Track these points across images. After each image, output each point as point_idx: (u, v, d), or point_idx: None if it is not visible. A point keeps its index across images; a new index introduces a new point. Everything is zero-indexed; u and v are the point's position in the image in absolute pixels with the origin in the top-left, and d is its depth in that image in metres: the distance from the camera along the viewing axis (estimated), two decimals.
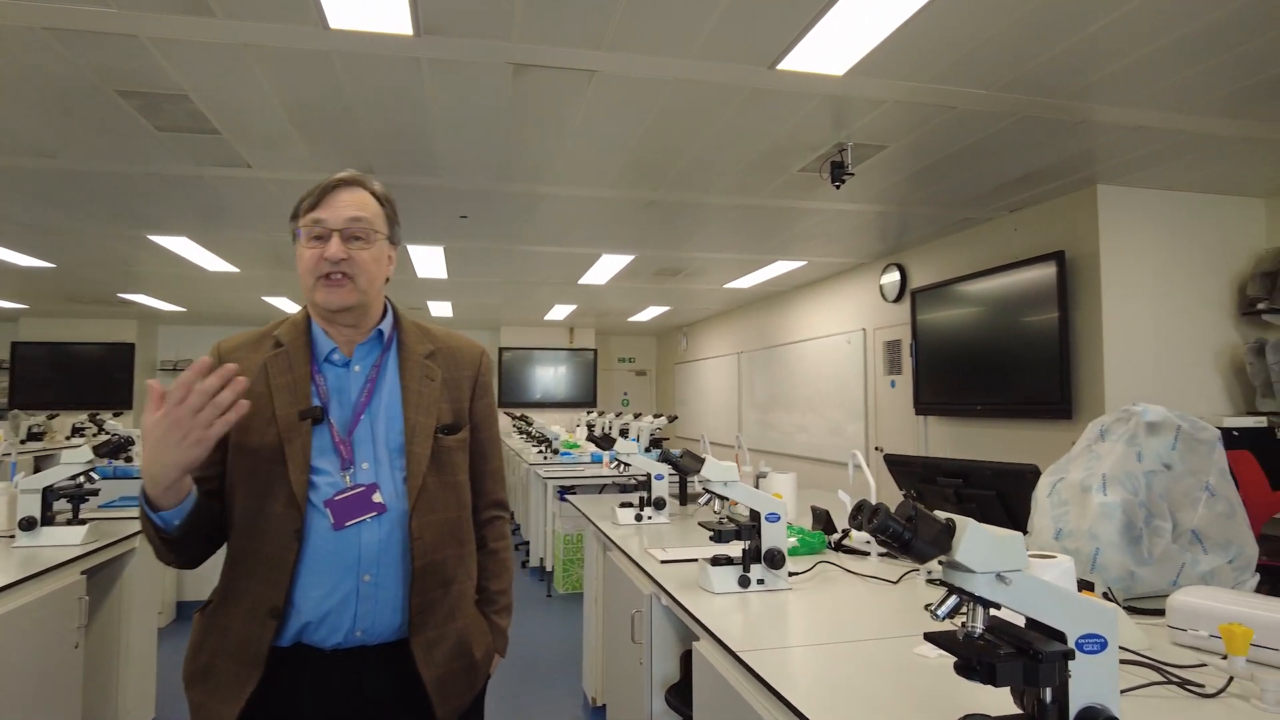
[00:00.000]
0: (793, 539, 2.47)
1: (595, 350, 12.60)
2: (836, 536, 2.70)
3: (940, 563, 1.10)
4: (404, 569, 1.37)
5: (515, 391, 12.19)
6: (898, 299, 6.43)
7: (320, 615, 1.31)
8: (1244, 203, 4.76)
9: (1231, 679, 1.40)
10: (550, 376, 12.41)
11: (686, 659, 2.31)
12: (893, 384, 6.49)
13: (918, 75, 3.04)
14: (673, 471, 3.32)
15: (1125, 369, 4.46)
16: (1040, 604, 1.05)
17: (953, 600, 1.08)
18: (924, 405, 5.91)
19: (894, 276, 6.45)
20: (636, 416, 8.75)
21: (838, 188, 3.95)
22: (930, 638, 1.13)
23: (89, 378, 10.59)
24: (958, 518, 1.06)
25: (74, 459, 2.81)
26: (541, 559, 6.24)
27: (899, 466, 2.74)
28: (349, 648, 1.33)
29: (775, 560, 2.10)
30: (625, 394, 13.66)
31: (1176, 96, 3.28)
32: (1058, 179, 4.45)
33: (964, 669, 1.06)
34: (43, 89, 3.12)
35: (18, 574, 2.27)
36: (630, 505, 3.27)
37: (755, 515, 2.13)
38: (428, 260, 6.73)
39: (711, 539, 2.16)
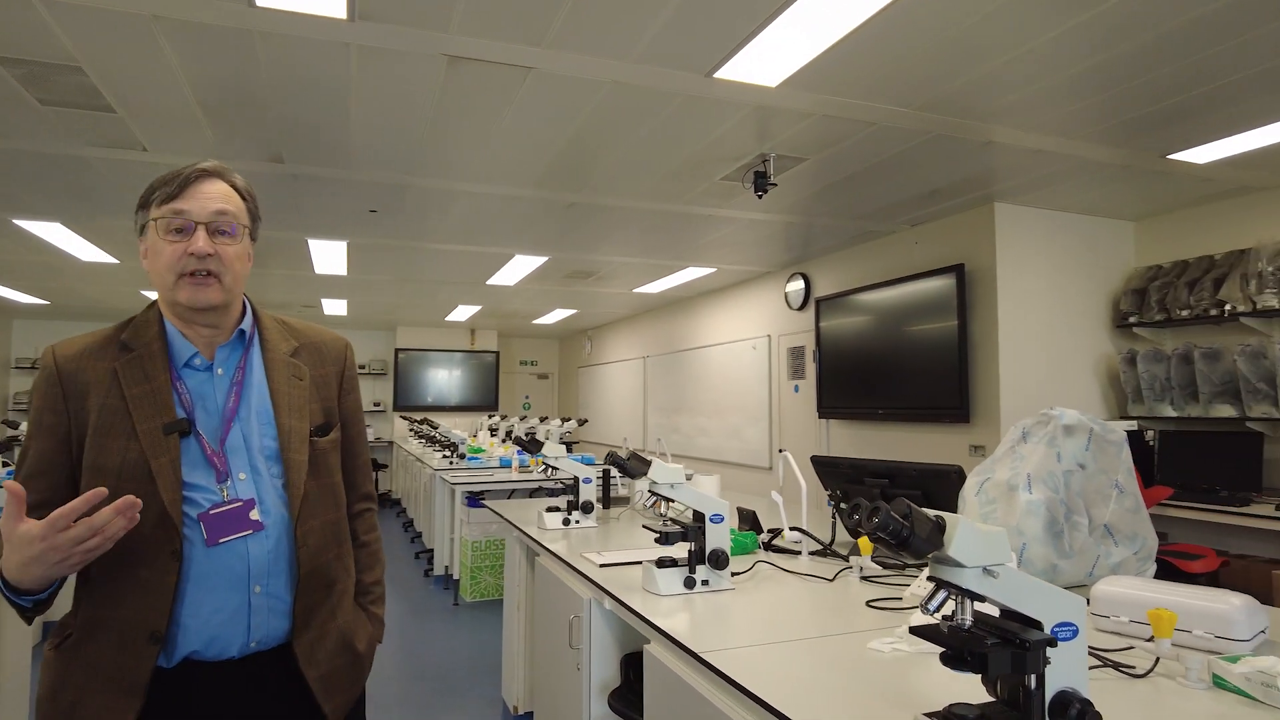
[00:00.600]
0: None
1: (498, 353, 12.39)
2: (766, 536, 2.75)
3: (930, 559, 1.13)
4: (290, 576, 1.35)
5: (411, 394, 11.81)
6: (802, 307, 6.64)
7: (212, 633, 1.27)
8: (1118, 225, 5.18)
9: (1158, 660, 1.52)
10: (449, 379, 12.10)
11: (627, 662, 2.30)
12: (796, 389, 6.69)
13: (846, 91, 3.15)
14: (600, 475, 3.32)
15: (1017, 375, 4.76)
16: (1022, 595, 1.10)
17: (941, 595, 1.12)
18: (826, 409, 6.12)
19: (799, 285, 6.66)
20: (543, 420, 8.67)
21: (760, 197, 4.04)
22: (917, 631, 1.16)
23: None
24: (947, 515, 1.09)
25: None
26: (446, 567, 6.08)
27: (825, 467, 2.82)
28: (240, 658, 1.30)
29: (719, 561, 2.12)
30: (527, 397, 13.50)
31: (1069, 125, 3.55)
32: (959, 196, 4.71)
33: (951, 660, 1.10)
34: None
35: None
36: (557, 509, 3.23)
37: (699, 517, 2.15)
38: (328, 255, 6.44)
39: (657, 541, 2.16)
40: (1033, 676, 1.08)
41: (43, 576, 1.12)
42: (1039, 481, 2.12)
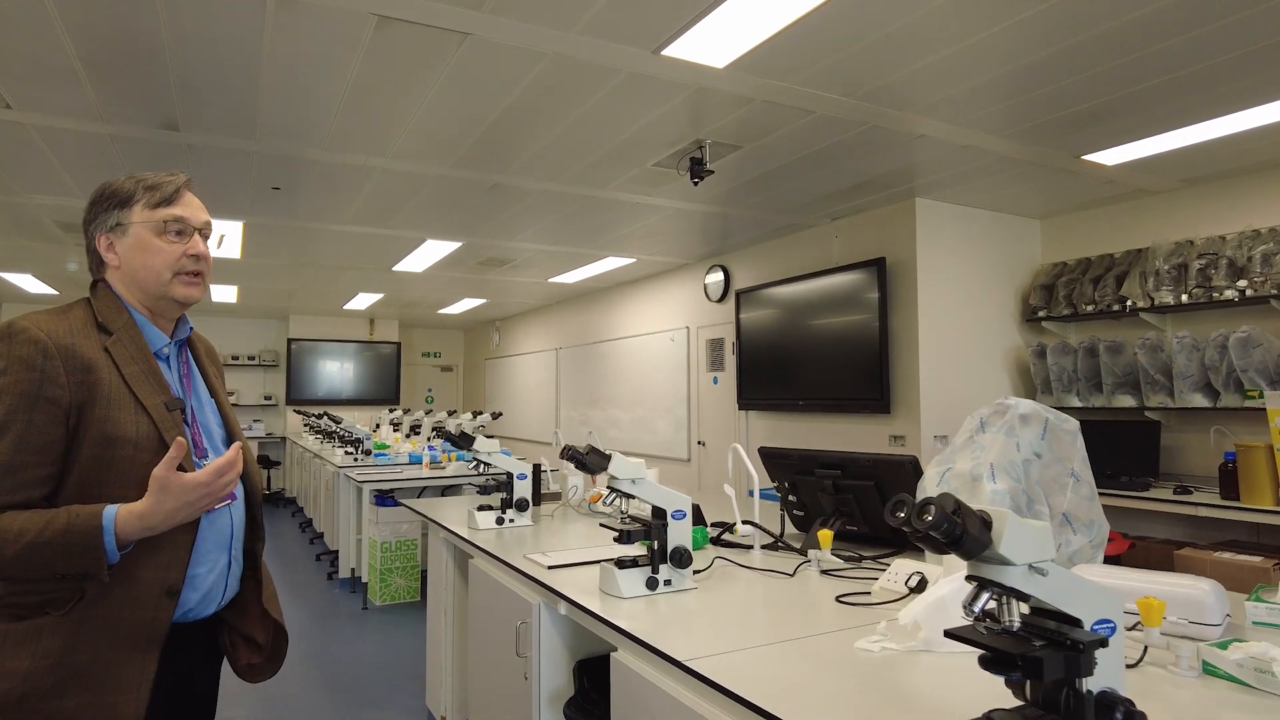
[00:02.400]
0: None
1: (399, 344, 11.89)
2: (714, 531, 2.66)
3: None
4: (244, 544, 1.52)
5: (304, 387, 11.12)
6: (721, 299, 6.62)
7: (205, 591, 1.41)
8: (1026, 223, 5.39)
9: (1146, 649, 1.51)
10: (346, 371, 11.50)
11: (582, 669, 2.16)
12: (715, 380, 6.68)
13: (790, 76, 3.09)
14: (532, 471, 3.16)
15: (935, 366, 4.87)
16: (1069, 593, 1.03)
17: (985, 596, 1.03)
18: (746, 400, 6.13)
19: (718, 277, 6.64)
20: (451, 413, 8.35)
21: (696, 184, 3.95)
22: (955, 635, 1.08)
23: None
24: (993, 510, 1.01)
25: None
26: (353, 569, 5.75)
27: (774, 459, 2.76)
28: (205, 618, 1.44)
29: (682, 559, 2.01)
30: (430, 390, 13.04)
31: (995, 122, 3.62)
32: (882, 190, 4.76)
33: (996, 664, 1.02)
34: None
35: None
36: (490, 508, 3.04)
37: (660, 513, 2.03)
38: (222, 237, 5.96)
39: (617, 540, 2.03)
40: (1081, 679, 1.01)
41: (178, 522, 1.28)
42: (1002, 471, 2.11)
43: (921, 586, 1.93)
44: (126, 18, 2.61)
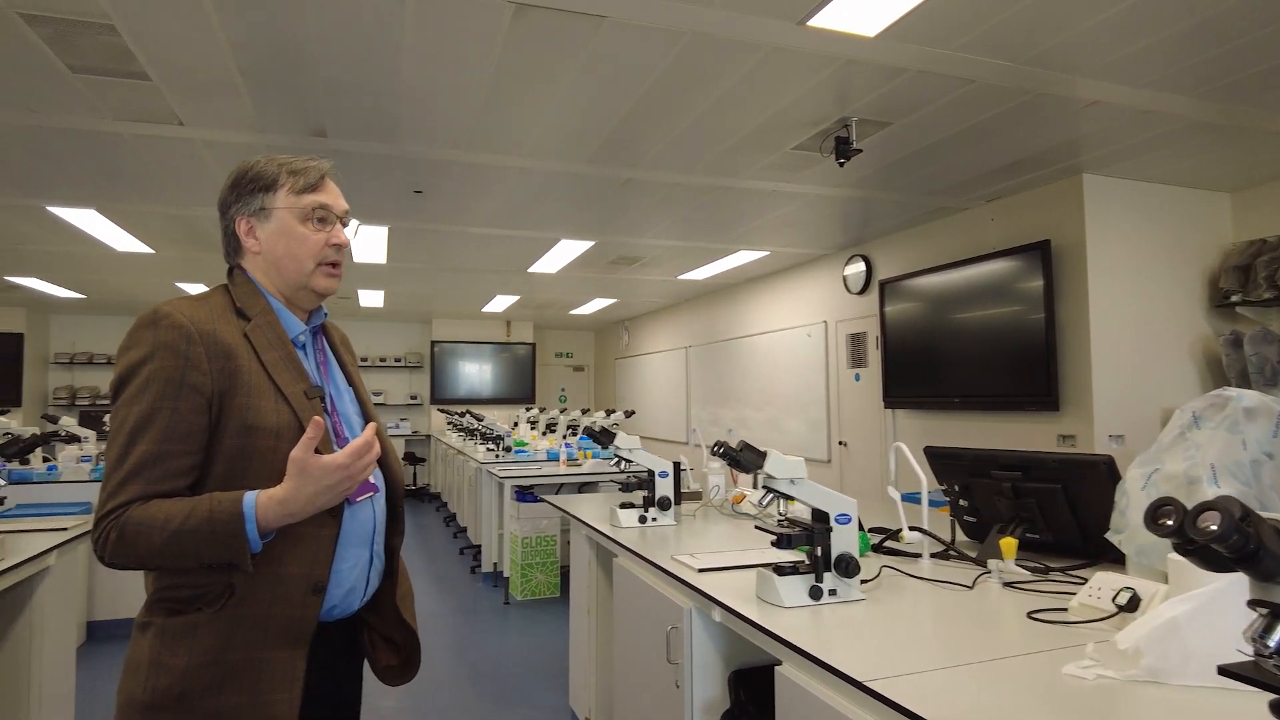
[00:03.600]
0: None
1: (533, 345, 12.16)
2: (878, 538, 2.46)
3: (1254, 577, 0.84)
4: (386, 537, 1.46)
5: (446, 387, 11.60)
6: (863, 291, 6.30)
7: (348, 587, 1.36)
8: (1213, 197, 4.79)
9: None
10: (484, 372, 11.88)
11: (736, 681, 2.02)
12: (857, 377, 6.36)
13: (948, 42, 2.84)
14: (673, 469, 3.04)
15: (1109, 359, 4.41)
16: None
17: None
18: (893, 398, 5.79)
19: (859, 267, 6.32)
20: (584, 412, 8.41)
21: (842, 164, 3.73)
22: (1230, 671, 0.86)
23: None
24: None
25: None
26: (495, 564, 5.85)
27: (943, 460, 2.52)
28: (346, 617, 1.39)
29: (849, 568, 1.83)
30: (563, 390, 13.27)
31: (1179, 82, 3.21)
32: (1045, 166, 4.36)
33: None
34: None
35: None
36: (632, 506, 2.95)
37: (822, 517, 1.86)
38: (368, 242, 6.22)
39: (775, 544, 1.88)
40: None
41: (320, 508, 1.23)
42: (1225, 473, 1.80)
43: (1133, 605, 1.67)
44: (280, 24, 2.70)
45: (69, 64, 2.96)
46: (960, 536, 2.50)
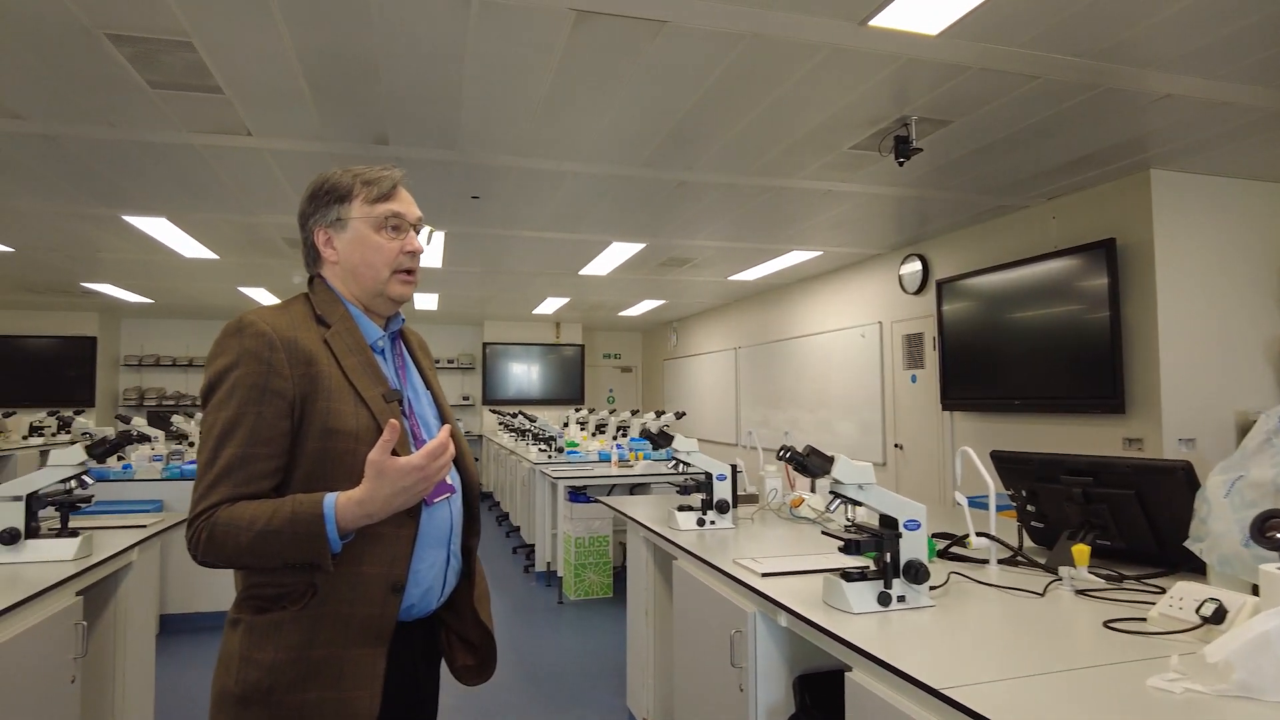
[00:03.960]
0: None
1: (582, 346, 12.24)
2: (944, 543, 2.42)
3: None
4: (462, 538, 1.49)
5: (497, 388, 11.77)
6: (919, 290, 6.21)
7: (426, 587, 1.38)
8: None
9: None
10: (534, 373, 12.01)
11: (801, 685, 2.02)
12: (913, 379, 6.27)
13: (1013, 38, 2.79)
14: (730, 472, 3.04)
15: (1179, 360, 4.27)
16: None
17: None
18: (951, 400, 5.69)
19: (915, 267, 6.23)
20: (634, 413, 8.44)
21: (901, 164, 3.69)
22: None
23: (45, 373, 9.96)
24: None
25: (64, 460, 2.40)
26: (549, 563, 5.91)
27: (1010, 464, 2.47)
28: (425, 617, 1.42)
29: (919, 574, 1.81)
30: (611, 391, 13.33)
31: (1259, 74, 3.10)
32: (1110, 163, 4.24)
33: None
34: (19, 31, 2.71)
35: (3, 600, 1.86)
36: (690, 508, 2.96)
37: (890, 522, 1.85)
38: (431, 232, 6.32)
39: (842, 550, 1.87)
40: None
41: (397, 509, 1.25)
42: None
43: (1219, 617, 1.62)
44: (347, 38, 2.77)
45: (148, 80, 3.08)
46: (1027, 543, 2.46)
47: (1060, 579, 2.02)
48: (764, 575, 2.15)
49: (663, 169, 4.29)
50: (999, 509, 2.55)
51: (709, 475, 2.97)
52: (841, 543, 1.88)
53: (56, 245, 6.13)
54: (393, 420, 1.22)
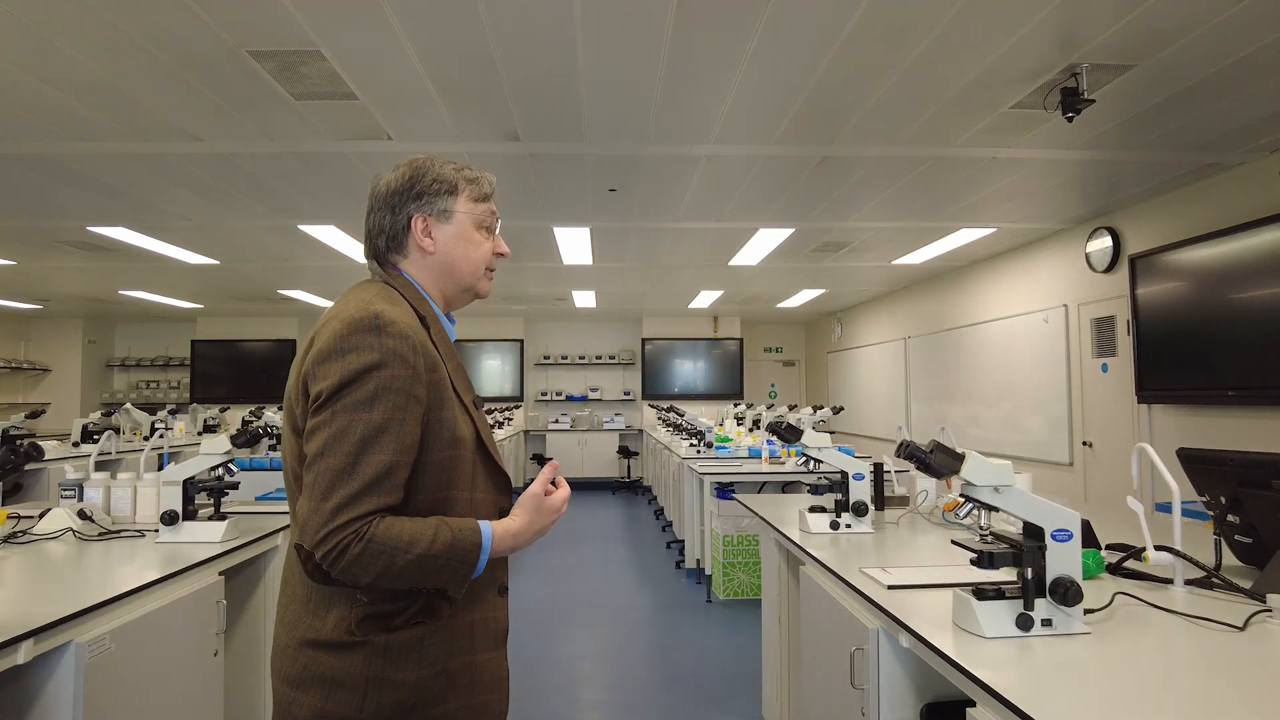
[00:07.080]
0: None
1: (741, 340, 12.02)
2: (1114, 558, 2.05)
3: None
4: None
5: (657, 383, 11.89)
6: (1109, 268, 5.49)
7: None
8: None
9: None
10: (693, 368, 11.98)
11: (930, 715, 1.76)
12: (1104, 368, 5.55)
13: None
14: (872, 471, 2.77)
15: None
16: None
17: None
18: (1148, 392, 4.98)
19: (1104, 242, 5.51)
20: (792, 408, 8.14)
21: (1070, 119, 3.22)
22: None
23: (258, 373, 11.14)
24: None
25: (212, 449, 2.60)
26: (698, 560, 5.79)
27: (1203, 465, 2.05)
28: None
29: (1068, 594, 1.51)
30: (773, 385, 13.00)
31: None
32: None
33: None
34: (180, 56, 2.94)
35: (158, 571, 2.11)
36: (822, 510, 2.72)
37: (1035, 532, 1.55)
38: (573, 244, 6.40)
39: (974, 563, 1.60)
40: None
41: (542, 532, 1.31)
42: None
43: None
44: (459, 33, 2.78)
45: (291, 92, 3.26)
46: (1229, 560, 2.03)
47: (1270, 610, 1.63)
48: (890, 588, 1.90)
49: (800, 144, 4.03)
50: (1196, 518, 2.13)
51: (844, 474, 2.72)
52: (973, 554, 1.61)
53: (251, 256, 6.77)
54: (554, 460, 1.31)
